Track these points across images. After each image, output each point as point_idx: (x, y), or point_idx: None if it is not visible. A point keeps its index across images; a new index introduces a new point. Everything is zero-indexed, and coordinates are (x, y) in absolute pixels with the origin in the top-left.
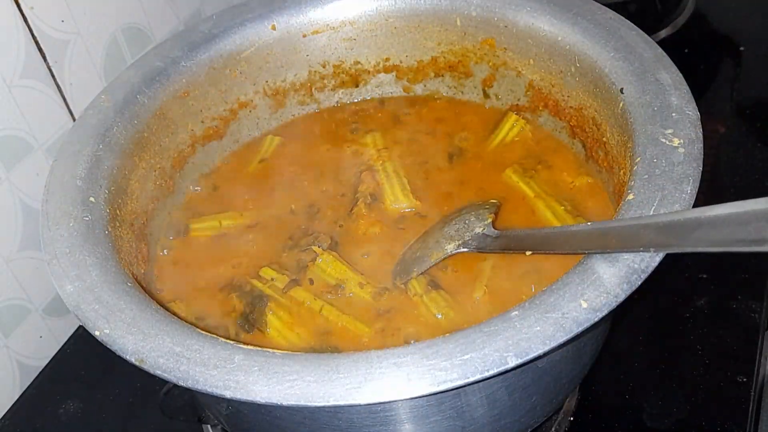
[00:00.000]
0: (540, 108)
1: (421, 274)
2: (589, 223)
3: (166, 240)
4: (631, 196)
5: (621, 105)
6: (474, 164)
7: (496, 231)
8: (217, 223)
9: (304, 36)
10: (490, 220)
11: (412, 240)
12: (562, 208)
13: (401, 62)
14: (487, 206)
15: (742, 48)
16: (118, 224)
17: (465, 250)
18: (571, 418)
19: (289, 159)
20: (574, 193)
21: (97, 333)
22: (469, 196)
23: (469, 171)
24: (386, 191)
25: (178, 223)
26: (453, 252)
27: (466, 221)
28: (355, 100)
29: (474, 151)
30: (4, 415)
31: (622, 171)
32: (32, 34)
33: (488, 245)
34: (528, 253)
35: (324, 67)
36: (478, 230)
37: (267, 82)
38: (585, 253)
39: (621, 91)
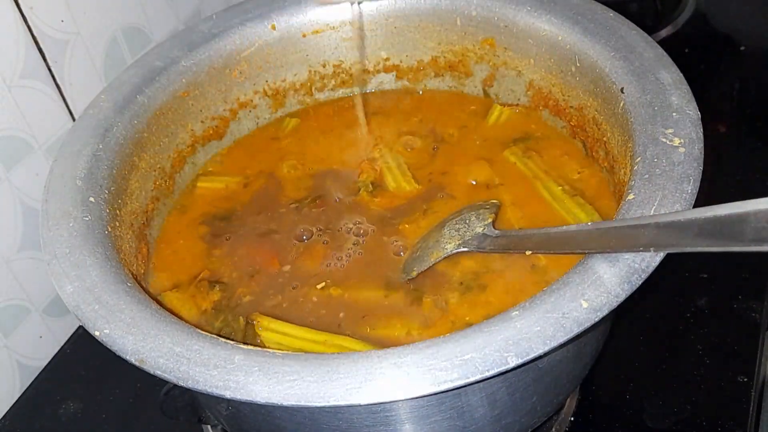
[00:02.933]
0: (540, 108)
1: (421, 272)
2: (589, 223)
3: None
4: (631, 196)
5: (621, 104)
6: (469, 148)
7: (496, 231)
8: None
9: (304, 36)
10: (490, 220)
11: (415, 224)
12: (560, 188)
13: (401, 62)
14: (488, 206)
15: (742, 47)
16: (117, 224)
17: (465, 249)
18: (572, 419)
19: (286, 155)
20: (579, 179)
21: (97, 333)
22: (465, 176)
23: (465, 153)
24: (387, 178)
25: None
26: (453, 251)
27: (467, 221)
28: None
29: (470, 136)
30: (4, 415)
31: (622, 170)
32: (32, 34)
33: (488, 245)
34: (528, 252)
35: (324, 66)
36: (479, 230)
37: (267, 82)
38: (585, 253)
39: (621, 90)
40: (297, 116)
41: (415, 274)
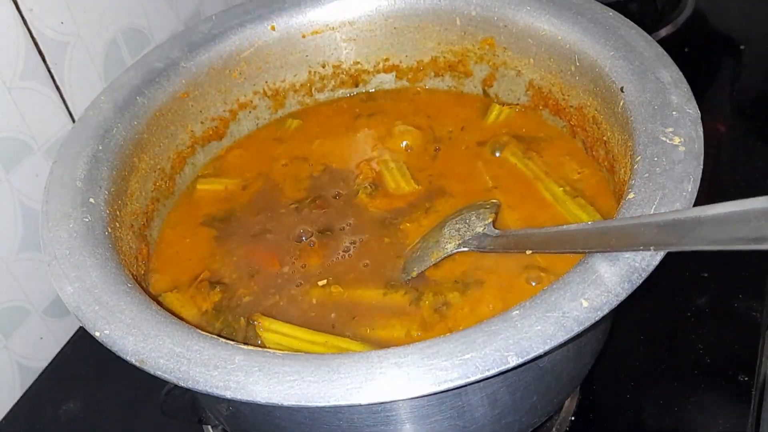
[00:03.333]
0: (540, 107)
1: (421, 272)
2: (589, 223)
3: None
4: (631, 195)
5: (621, 104)
6: (469, 148)
7: (496, 231)
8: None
9: (304, 36)
10: (490, 220)
11: (416, 223)
12: (561, 189)
13: (401, 62)
14: (488, 206)
15: (742, 46)
16: (117, 225)
17: (465, 249)
18: (572, 418)
19: (286, 156)
20: (579, 179)
21: (97, 334)
22: (464, 177)
23: (463, 155)
24: (387, 179)
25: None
26: (453, 251)
27: (467, 221)
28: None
29: (469, 136)
30: (5, 416)
31: (622, 170)
32: (32, 36)
33: (488, 245)
34: (528, 252)
35: (323, 67)
36: (479, 230)
37: (266, 82)
38: (585, 252)
39: (621, 89)
40: (299, 117)
41: (415, 274)
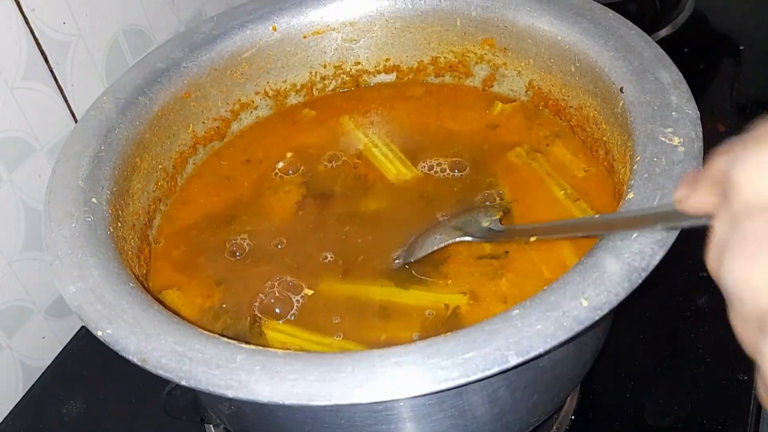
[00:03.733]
0: (540, 107)
1: (421, 258)
2: (596, 216)
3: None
4: (631, 195)
5: (621, 104)
6: (471, 142)
7: (502, 226)
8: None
9: (305, 37)
10: (498, 217)
11: (420, 207)
12: (563, 192)
13: (401, 63)
14: (496, 206)
15: (741, 47)
16: (120, 225)
17: (468, 239)
18: (572, 417)
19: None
20: (582, 179)
21: (99, 333)
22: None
23: (465, 148)
24: (387, 168)
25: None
26: (456, 239)
27: (475, 217)
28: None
29: (470, 129)
30: (7, 415)
31: (622, 170)
32: (34, 36)
33: (492, 237)
34: (532, 239)
35: (324, 68)
36: (485, 224)
37: (268, 83)
38: (589, 236)
39: (621, 90)
40: (316, 108)
41: (413, 259)
